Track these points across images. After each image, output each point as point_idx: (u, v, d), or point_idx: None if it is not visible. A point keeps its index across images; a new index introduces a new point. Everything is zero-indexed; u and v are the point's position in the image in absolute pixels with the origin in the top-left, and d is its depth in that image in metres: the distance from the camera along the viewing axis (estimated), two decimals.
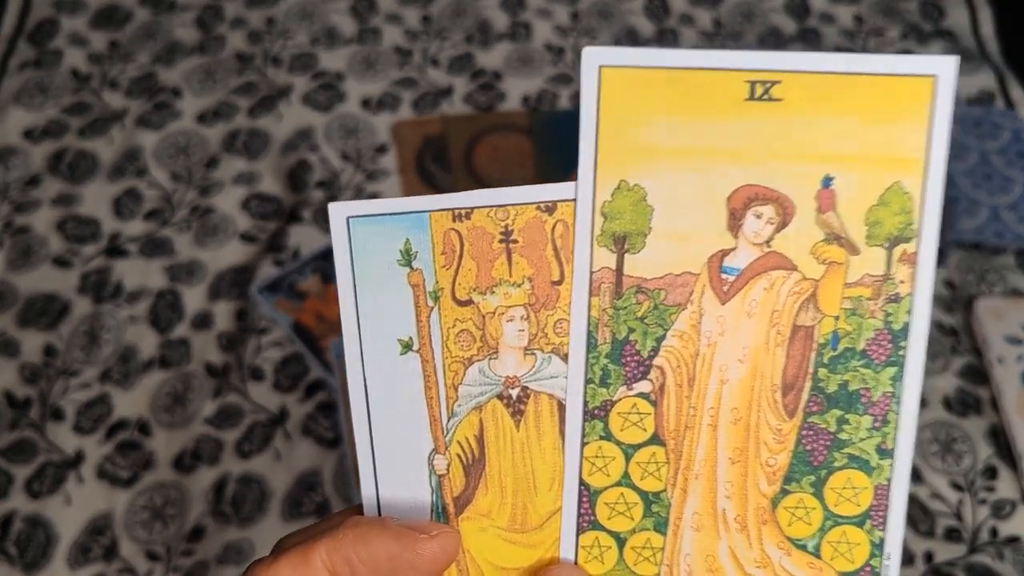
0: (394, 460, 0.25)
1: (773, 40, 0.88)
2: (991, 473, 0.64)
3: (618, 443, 0.25)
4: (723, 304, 0.24)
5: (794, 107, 0.23)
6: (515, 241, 0.25)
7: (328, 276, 0.70)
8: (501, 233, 0.24)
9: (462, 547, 0.25)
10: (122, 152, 0.77)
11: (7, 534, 0.59)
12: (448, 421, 0.25)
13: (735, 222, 0.24)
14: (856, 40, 0.88)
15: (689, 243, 0.24)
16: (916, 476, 0.64)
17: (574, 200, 0.24)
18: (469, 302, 0.25)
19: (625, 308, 0.24)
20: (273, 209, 0.74)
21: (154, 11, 0.86)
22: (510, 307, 0.25)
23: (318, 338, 0.67)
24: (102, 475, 0.62)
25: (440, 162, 0.77)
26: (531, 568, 0.25)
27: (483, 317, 0.25)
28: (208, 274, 0.70)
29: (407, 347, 0.25)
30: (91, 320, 0.68)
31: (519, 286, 0.25)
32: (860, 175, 0.24)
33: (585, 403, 0.25)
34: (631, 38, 0.87)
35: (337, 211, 0.24)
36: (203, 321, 0.68)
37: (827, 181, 0.24)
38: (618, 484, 0.25)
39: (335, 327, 0.68)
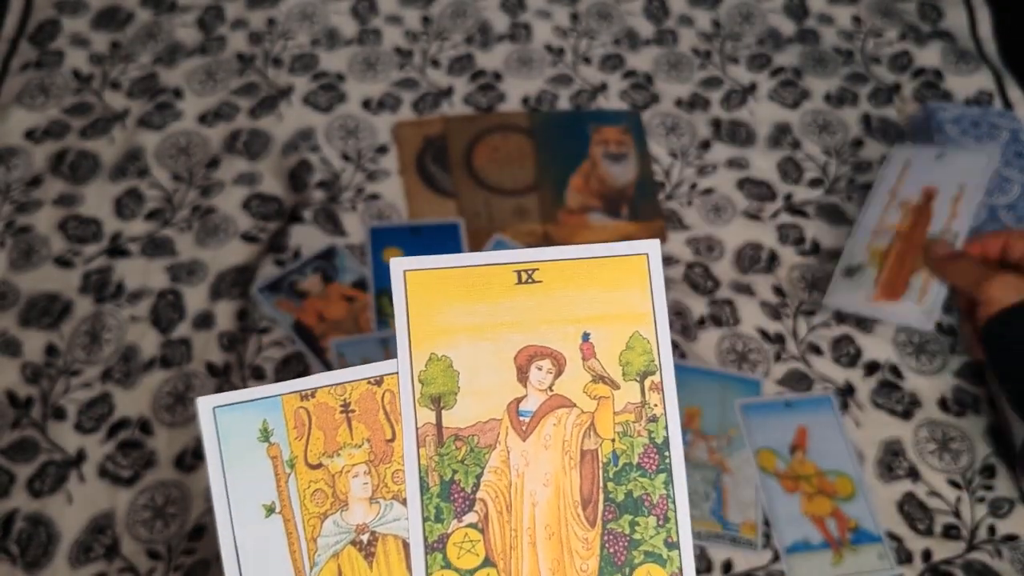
0: None
1: (772, 41, 0.88)
2: (989, 472, 0.64)
3: (457, 570, 0.30)
4: (524, 440, 0.30)
5: (551, 285, 0.31)
6: (353, 411, 0.30)
7: (329, 276, 0.71)
8: (341, 406, 0.30)
9: None
10: (123, 152, 0.77)
11: (9, 533, 0.60)
12: (311, 571, 0.29)
13: (523, 375, 0.30)
14: (855, 41, 0.88)
15: (490, 396, 0.30)
16: (914, 474, 0.64)
17: (397, 373, 0.30)
18: (320, 465, 0.30)
19: (447, 454, 0.30)
20: (274, 209, 0.75)
21: (155, 12, 0.86)
22: (355, 465, 0.30)
23: (319, 337, 0.68)
24: (103, 474, 0.62)
25: (440, 162, 0.78)
26: None
27: (333, 476, 0.29)
28: (209, 274, 0.71)
29: (271, 510, 0.29)
30: (92, 320, 0.68)
31: (360, 447, 0.30)
32: (609, 329, 0.31)
33: (425, 538, 0.29)
34: (631, 39, 0.87)
35: (204, 404, 0.29)
36: (204, 321, 0.68)
37: (586, 336, 0.31)
38: None
39: (336, 327, 0.68)
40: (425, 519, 0.29)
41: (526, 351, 0.30)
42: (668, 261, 0.74)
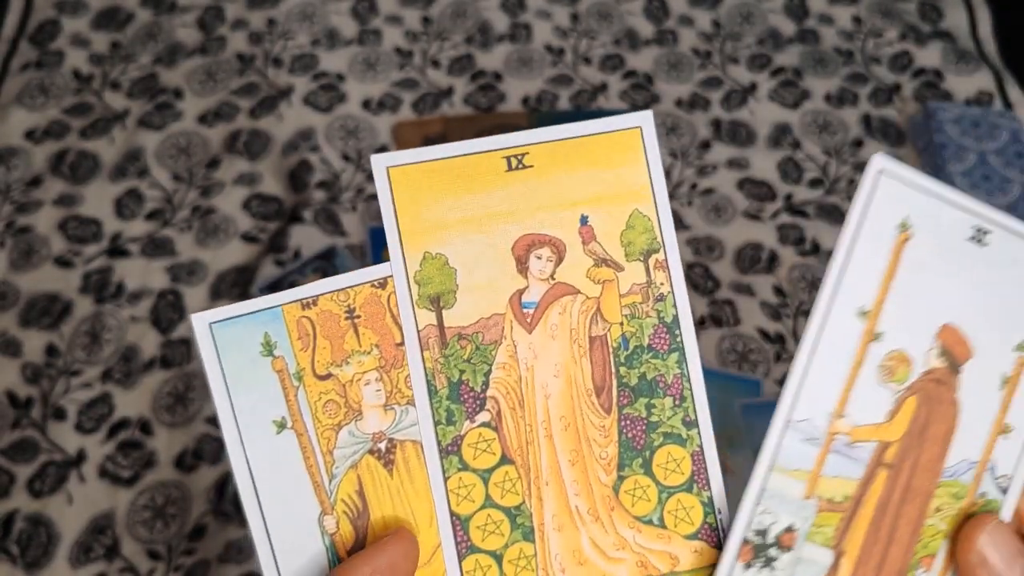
0: (287, 530, 0.28)
1: (772, 42, 0.88)
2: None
3: (474, 471, 0.29)
4: (530, 333, 0.29)
5: (544, 169, 0.30)
6: (358, 316, 0.29)
7: (329, 276, 0.71)
8: (346, 312, 0.29)
9: None
10: (123, 153, 0.77)
11: (9, 533, 0.60)
12: (330, 484, 0.28)
13: (522, 266, 0.29)
14: (855, 41, 0.88)
15: (491, 290, 0.29)
16: None
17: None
18: (329, 375, 0.28)
19: (452, 355, 0.29)
20: (274, 209, 0.75)
21: (155, 12, 0.86)
22: (365, 372, 0.29)
23: None
24: (104, 474, 0.62)
25: None
26: None
27: (343, 386, 0.28)
28: (209, 274, 0.71)
29: (282, 426, 0.28)
30: (93, 320, 0.68)
31: (369, 353, 0.29)
32: (607, 210, 0.30)
33: (439, 443, 0.29)
34: (631, 39, 0.87)
35: (199, 320, 0.28)
36: None
37: (584, 219, 0.30)
38: (483, 507, 0.29)
39: None
40: (437, 423, 0.29)
41: (523, 240, 0.29)
42: None
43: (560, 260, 0.29)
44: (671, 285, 0.30)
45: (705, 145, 0.81)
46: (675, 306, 0.30)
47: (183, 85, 0.81)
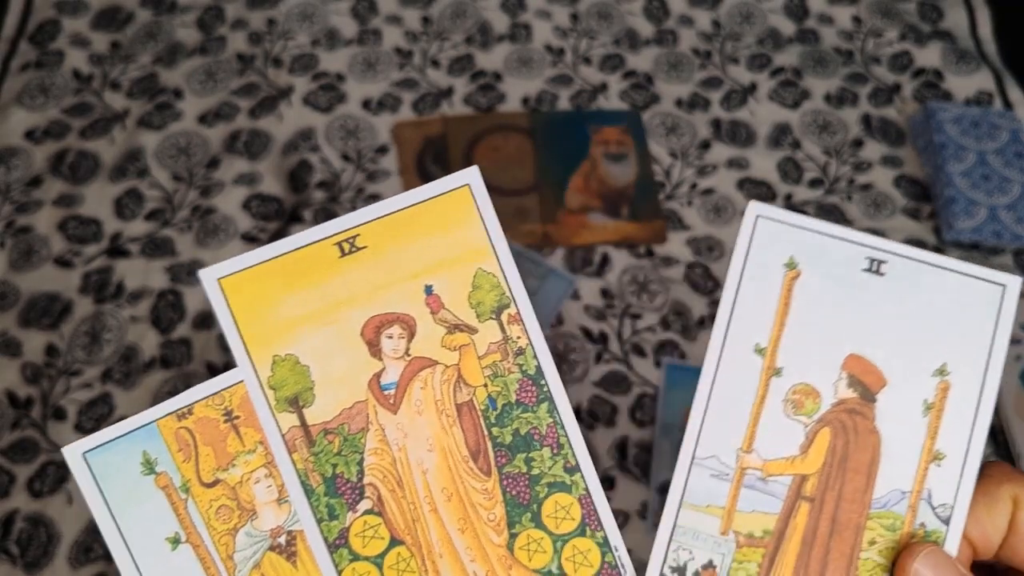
0: None
1: (772, 42, 0.88)
2: None
3: (366, 559, 0.29)
4: (395, 413, 0.29)
5: (378, 248, 0.29)
6: (237, 417, 0.28)
7: None
8: (224, 415, 0.28)
9: None
10: (123, 153, 0.77)
11: (9, 533, 0.60)
12: None
13: (375, 349, 0.29)
14: (855, 41, 0.88)
15: (348, 380, 0.29)
16: None
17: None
18: (216, 481, 0.28)
19: (322, 451, 0.29)
20: (274, 209, 0.75)
21: (155, 12, 0.86)
22: (253, 471, 0.28)
23: None
24: None
25: (440, 163, 0.78)
26: None
27: (233, 489, 0.28)
28: None
29: (176, 542, 0.28)
30: (93, 320, 0.68)
31: (254, 451, 0.29)
32: (450, 275, 0.29)
33: (325, 539, 0.29)
34: (631, 39, 0.87)
35: (71, 452, 0.27)
36: (204, 321, 0.68)
37: (428, 289, 0.29)
38: None
39: None
40: (320, 520, 0.29)
41: (371, 323, 0.29)
42: (668, 261, 0.74)
43: (412, 335, 0.29)
44: (528, 337, 0.30)
45: (705, 145, 0.81)
46: (535, 356, 0.30)
47: (183, 85, 0.81)
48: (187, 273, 0.71)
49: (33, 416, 0.64)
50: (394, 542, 0.29)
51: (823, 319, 0.29)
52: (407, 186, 0.76)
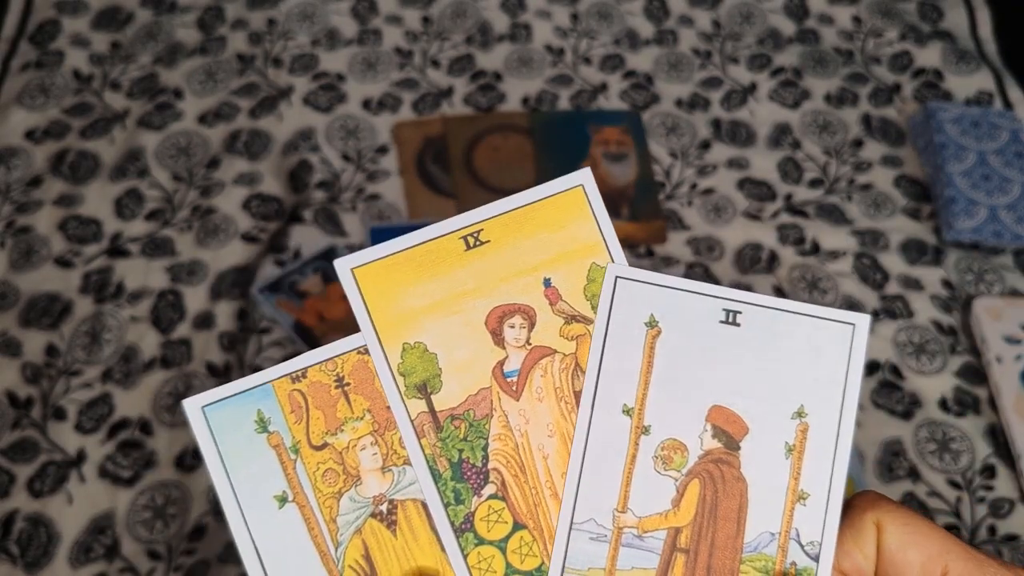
0: None
1: (772, 42, 0.88)
2: (989, 472, 0.64)
3: (490, 543, 0.30)
4: (517, 400, 0.31)
5: (500, 242, 0.31)
6: (348, 384, 0.30)
7: (329, 276, 0.71)
8: (335, 381, 0.30)
9: None
10: (123, 153, 0.77)
11: (9, 533, 0.60)
12: (336, 551, 0.29)
13: (498, 338, 0.31)
14: (855, 41, 0.88)
15: (473, 367, 0.30)
16: (914, 474, 0.64)
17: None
18: (325, 445, 0.29)
19: (448, 436, 0.30)
20: (274, 209, 0.75)
21: (155, 12, 0.86)
22: (360, 438, 0.29)
23: (319, 338, 0.68)
24: (104, 474, 0.62)
25: (440, 163, 0.78)
26: None
27: (340, 453, 0.29)
28: (209, 274, 0.71)
29: (283, 500, 0.29)
30: (93, 320, 0.68)
31: (362, 419, 0.30)
32: (566, 269, 0.31)
33: (451, 523, 0.30)
34: (631, 39, 0.87)
35: (191, 405, 0.28)
36: (204, 321, 0.68)
37: (547, 282, 0.31)
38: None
39: (336, 327, 0.68)
40: (447, 505, 0.29)
41: (494, 313, 0.30)
42: (669, 261, 0.74)
43: (532, 325, 0.31)
44: None
45: (705, 145, 0.81)
46: None
47: (183, 85, 0.81)
48: (187, 273, 0.71)
49: (33, 416, 0.64)
50: (517, 526, 0.30)
51: (686, 374, 0.30)
52: (407, 186, 0.76)
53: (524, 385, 0.30)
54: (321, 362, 0.29)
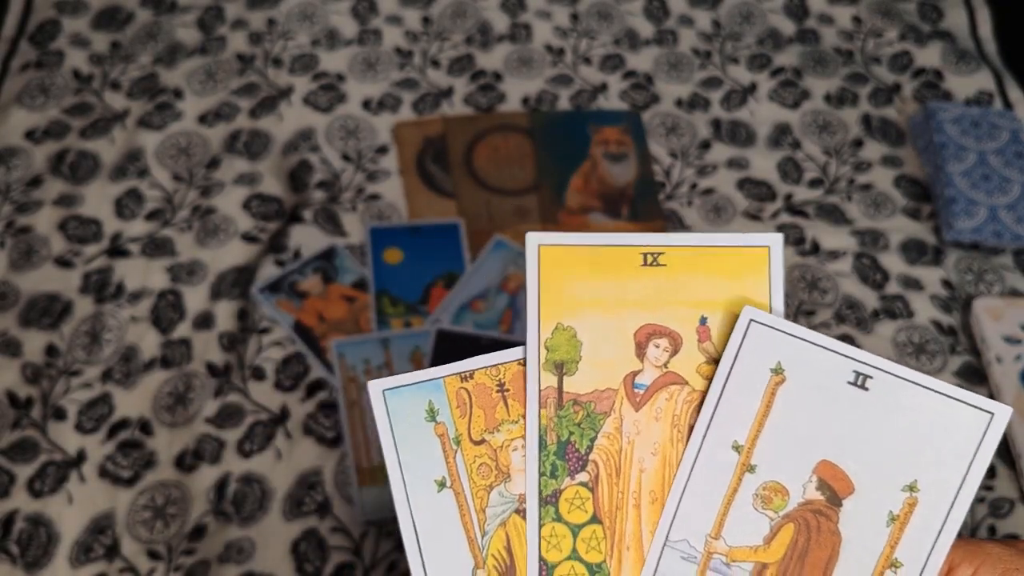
0: None
1: (772, 42, 0.88)
2: (989, 472, 0.64)
3: (567, 523, 0.32)
4: (637, 411, 0.32)
5: (675, 269, 0.32)
6: (507, 390, 0.32)
7: (329, 276, 0.71)
8: (497, 385, 0.32)
9: None
10: (123, 153, 0.77)
11: (9, 533, 0.60)
12: (482, 539, 0.31)
13: (640, 351, 0.32)
14: (855, 41, 0.88)
15: (609, 367, 0.32)
16: None
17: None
18: (483, 441, 0.32)
19: (565, 416, 0.32)
20: (274, 209, 0.75)
21: (155, 12, 0.86)
22: (513, 439, 0.32)
23: (319, 338, 0.68)
24: (104, 474, 0.62)
25: (440, 163, 0.78)
26: None
27: (495, 451, 0.32)
28: (209, 274, 0.71)
29: (442, 485, 0.31)
30: (93, 320, 0.68)
31: (517, 423, 0.32)
32: (724, 315, 0.32)
33: (540, 492, 0.32)
34: (631, 39, 0.87)
35: (375, 387, 0.31)
36: (204, 321, 0.68)
37: (703, 320, 0.32)
38: (569, 558, 0.32)
39: (336, 327, 0.68)
40: (541, 474, 0.32)
41: (645, 329, 0.32)
42: None
43: (675, 351, 0.32)
44: None
45: (705, 145, 0.81)
46: None
47: (183, 85, 0.81)
48: (187, 273, 0.71)
49: (33, 416, 0.64)
50: (594, 519, 0.32)
51: (802, 424, 0.31)
52: (407, 186, 0.76)
53: (647, 401, 0.32)
54: (487, 367, 0.32)
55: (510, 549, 0.31)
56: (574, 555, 0.31)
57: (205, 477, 0.62)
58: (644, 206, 0.76)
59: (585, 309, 0.32)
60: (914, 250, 0.75)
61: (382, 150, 0.78)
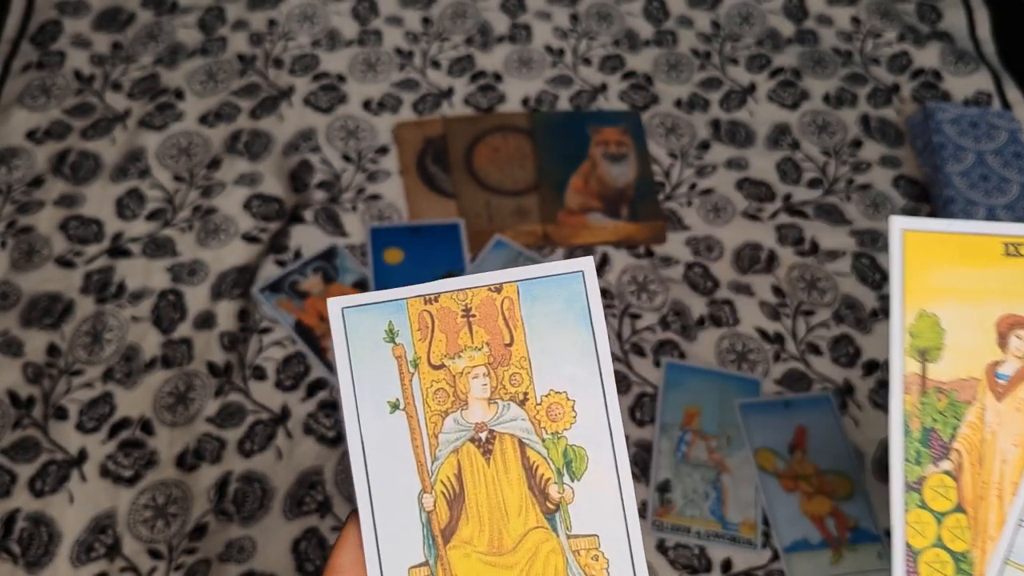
0: (389, 501, 0.30)
1: (771, 42, 0.88)
2: None
3: (931, 511, 0.32)
4: (999, 401, 0.32)
5: None
6: (474, 315, 0.31)
7: (330, 276, 0.71)
8: (463, 310, 0.31)
9: (451, 573, 0.30)
10: (125, 153, 0.77)
11: (10, 532, 0.60)
12: (432, 464, 0.31)
13: (1003, 341, 0.32)
14: (853, 42, 0.89)
15: (971, 356, 0.32)
16: None
17: (515, 281, 0.31)
18: (442, 366, 0.31)
19: (928, 403, 0.32)
20: (275, 210, 0.75)
21: (156, 13, 0.86)
22: (474, 367, 0.31)
23: (319, 337, 0.68)
24: (105, 474, 0.62)
25: (441, 163, 0.78)
26: None
27: (454, 377, 0.31)
28: (210, 274, 0.71)
29: (395, 407, 0.31)
30: (94, 320, 0.68)
31: (480, 350, 0.31)
32: None
33: (904, 477, 0.32)
34: (630, 40, 0.88)
35: (334, 304, 0.31)
36: (205, 321, 0.69)
37: None
38: (933, 546, 0.32)
39: None
40: (906, 460, 0.32)
41: (1008, 319, 0.32)
42: (668, 261, 0.74)
43: None
44: None
45: (704, 145, 0.81)
46: None
47: (184, 86, 0.81)
48: (188, 273, 0.71)
49: (34, 416, 0.64)
50: (958, 508, 0.32)
51: None
52: (407, 186, 0.77)
53: (1010, 391, 0.32)
54: (454, 291, 0.31)
55: (460, 477, 0.31)
56: (938, 543, 0.32)
57: (206, 476, 0.62)
58: (644, 206, 0.77)
59: (948, 297, 0.32)
60: None
61: (382, 150, 0.79)
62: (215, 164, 0.77)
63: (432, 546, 0.30)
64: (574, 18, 0.89)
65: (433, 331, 0.31)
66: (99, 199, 0.74)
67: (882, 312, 0.72)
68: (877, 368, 0.69)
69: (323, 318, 0.69)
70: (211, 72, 0.82)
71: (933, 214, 0.76)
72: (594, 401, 0.31)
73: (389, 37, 0.86)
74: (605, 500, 0.30)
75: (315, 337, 0.68)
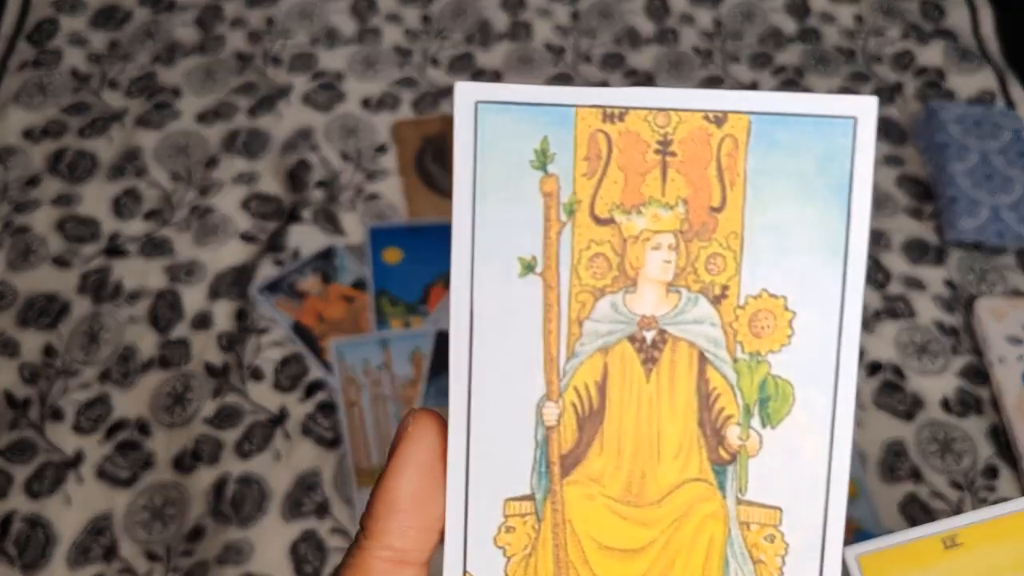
0: (495, 405, 0.21)
1: (773, 40, 0.88)
2: (991, 473, 0.64)
3: None
4: None
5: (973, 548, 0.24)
6: (673, 154, 0.20)
7: (328, 276, 0.70)
8: (658, 142, 0.20)
9: (563, 517, 0.21)
10: (122, 152, 0.77)
11: (6, 534, 0.59)
12: (567, 363, 0.21)
13: None
14: (856, 40, 0.88)
15: None
16: (916, 475, 0.64)
17: (748, 113, 0.20)
18: (610, 221, 0.21)
19: None
20: (273, 209, 0.74)
21: (154, 11, 0.86)
22: (658, 232, 0.21)
23: (318, 338, 0.67)
24: (102, 475, 0.62)
25: (440, 162, 0.77)
26: (640, 552, 0.21)
27: (624, 241, 0.21)
28: (208, 274, 0.70)
29: (529, 268, 0.21)
30: (91, 320, 0.68)
31: (672, 208, 0.21)
32: None
33: None
34: (631, 38, 0.87)
35: (465, 93, 0.20)
36: (203, 321, 0.68)
37: None
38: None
39: (336, 327, 0.68)
40: None
41: None
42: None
43: None
44: None
45: None
46: None
47: (182, 84, 0.81)
48: (185, 273, 0.70)
49: (31, 416, 0.64)
50: None
51: None
52: (407, 186, 0.76)
53: None
54: (651, 109, 0.20)
55: (603, 388, 0.21)
56: None
57: (203, 478, 0.62)
58: None
59: None
60: (916, 250, 0.74)
61: (381, 149, 0.78)
62: (213, 163, 0.76)
63: (545, 476, 0.21)
64: (575, 16, 0.88)
65: (608, 165, 0.20)
66: (96, 198, 0.74)
67: (886, 313, 0.71)
68: (880, 369, 0.68)
69: (322, 318, 0.68)
70: (209, 70, 0.82)
71: (937, 213, 0.76)
72: (825, 317, 0.21)
73: (388, 35, 0.85)
74: (805, 463, 0.21)
75: (313, 337, 0.67)
